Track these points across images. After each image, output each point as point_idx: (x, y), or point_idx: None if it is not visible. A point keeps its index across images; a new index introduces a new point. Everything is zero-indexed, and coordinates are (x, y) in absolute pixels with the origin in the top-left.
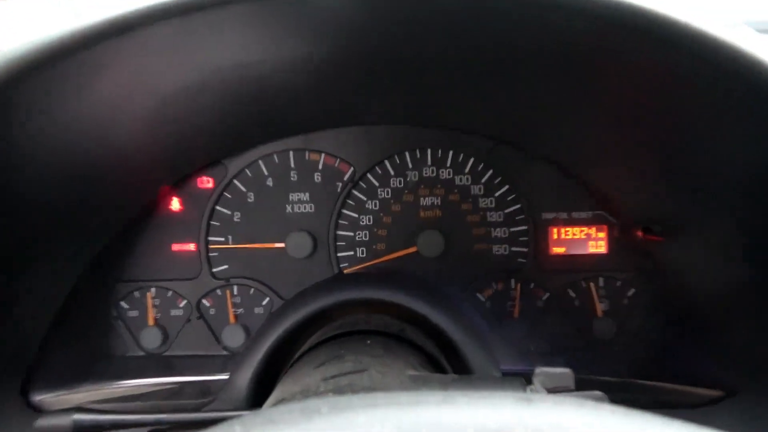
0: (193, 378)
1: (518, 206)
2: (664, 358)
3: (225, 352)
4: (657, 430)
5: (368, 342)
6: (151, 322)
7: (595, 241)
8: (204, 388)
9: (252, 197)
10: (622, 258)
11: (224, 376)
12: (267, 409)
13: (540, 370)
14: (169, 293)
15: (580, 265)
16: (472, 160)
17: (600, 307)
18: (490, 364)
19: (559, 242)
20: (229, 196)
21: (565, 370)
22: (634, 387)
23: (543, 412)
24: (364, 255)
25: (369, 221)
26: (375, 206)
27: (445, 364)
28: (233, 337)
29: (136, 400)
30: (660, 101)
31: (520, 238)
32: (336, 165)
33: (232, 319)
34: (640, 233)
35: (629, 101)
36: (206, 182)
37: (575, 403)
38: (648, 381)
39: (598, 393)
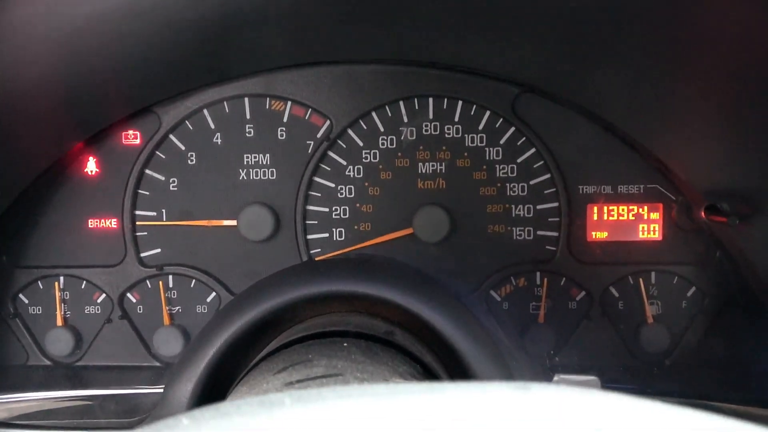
0: (114, 391)
1: (547, 176)
2: (732, 376)
3: (157, 363)
4: (677, 418)
5: (345, 345)
6: (59, 322)
7: (647, 224)
8: (130, 405)
9: (194, 158)
10: (681, 247)
11: (157, 389)
12: (220, 404)
13: (559, 378)
14: (83, 284)
15: (626, 255)
16: (488, 113)
17: (651, 311)
18: (503, 379)
19: (601, 225)
20: (163, 156)
21: (590, 378)
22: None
23: (543, 400)
24: (343, 238)
25: (350, 193)
26: (358, 173)
27: (443, 377)
28: (168, 344)
29: (39, 419)
30: (743, 36)
31: (550, 219)
32: (306, 117)
33: (166, 319)
34: (703, 214)
35: (703, 36)
36: (132, 137)
37: (580, 391)
38: (711, 403)
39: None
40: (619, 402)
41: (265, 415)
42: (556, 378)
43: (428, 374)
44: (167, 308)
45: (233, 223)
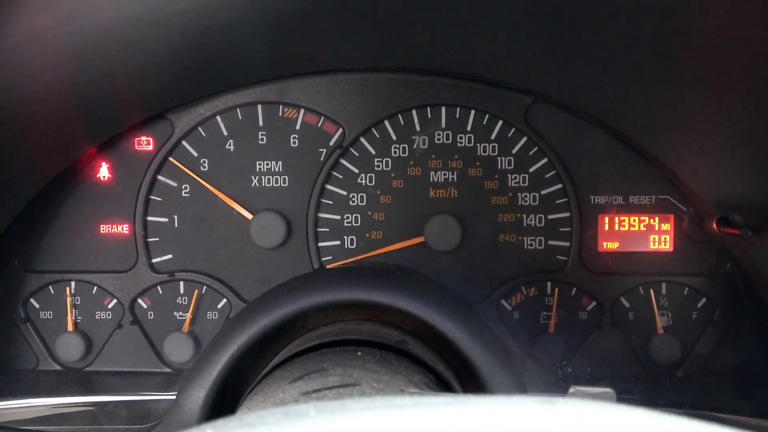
0: (124, 397)
1: (559, 186)
2: (742, 387)
3: (167, 369)
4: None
5: (359, 353)
6: (70, 327)
7: (658, 235)
8: (141, 411)
9: (206, 165)
10: (692, 258)
11: (168, 396)
12: (243, 414)
13: (575, 389)
14: (95, 290)
15: (637, 266)
16: (500, 123)
17: (661, 322)
18: (515, 389)
19: (612, 235)
20: (175, 162)
21: (605, 390)
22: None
23: (570, 415)
24: (354, 246)
25: (361, 201)
26: (370, 181)
27: (456, 387)
28: (179, 350)
29: (49, 424)
30: (756, 47)
31: (561, 229)
32: (319, 125)
33: (180, 326)
34: (714, 225)
35: (716, 47)
36: (145, 143)
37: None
38: (722, 415)
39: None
40: (646, 417)
41: (290, 426)
42: (571, 390)
43: (441, 383)
44: (178, 314)
45: (249, 216)
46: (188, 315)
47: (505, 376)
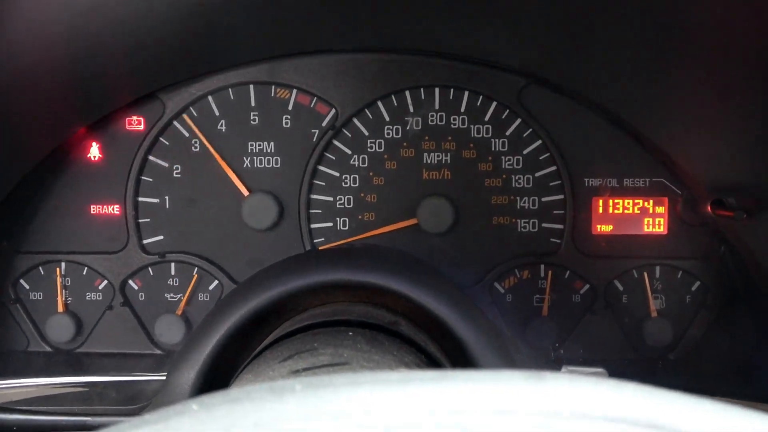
0: (115, 378)
1: (553, 168)
2: (737, 372)
3: (158, 351)
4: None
5: (350, 333)
6: (60, 308)
7: (652, 218)
8: (131, 392)
9: (198, 145)
10: (685, 241)
11: (158, 377)
12: (228, 390)
13: (567, 369)
14: (85, 270)
15: (631, 249)
16: (494, 104)
17: (654, 305)
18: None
19: (606, 218)
20: (166, 142)
21: (597, 370)
22: None
23: (558, 390)
24: (347, 227)
25: (354, 182)
26: (363, 163)
27: (447, 367)
28: (170, 331)
29: (40, 405)
30: (750, 29)
31: (554, 212)
32: (312, 105)
33: (171, 307)
34: (709, 208)
35: (711, 28)
36: (136, 123)
37: (596, 381)
38: (713, 398)
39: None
40: (637, 391)
41: (275, 400)
42: (563, 370)
43: (433, 364)
44: (169, 296)
45: (245, 192)
46: (184, 297)
47: (497, 357)
